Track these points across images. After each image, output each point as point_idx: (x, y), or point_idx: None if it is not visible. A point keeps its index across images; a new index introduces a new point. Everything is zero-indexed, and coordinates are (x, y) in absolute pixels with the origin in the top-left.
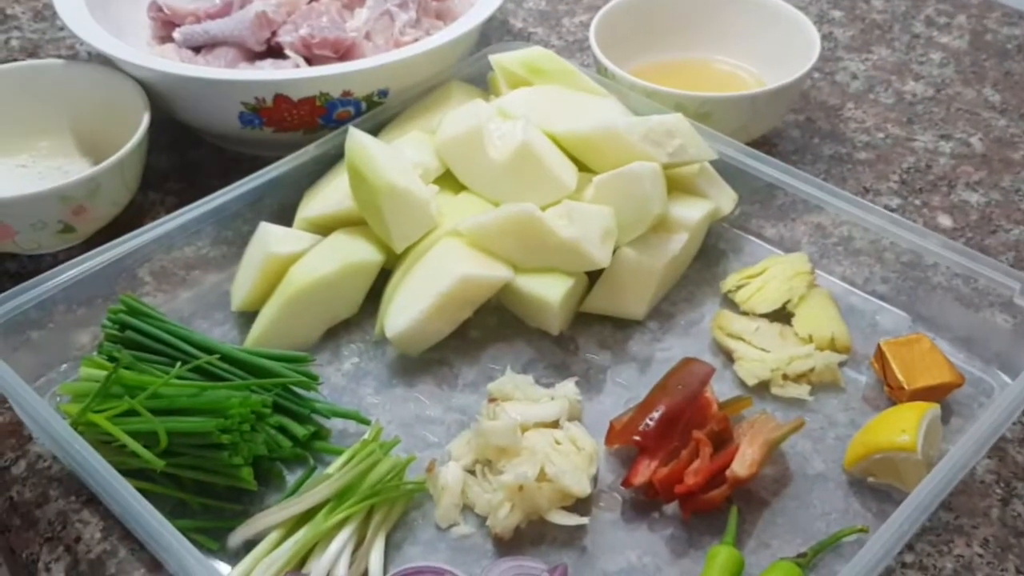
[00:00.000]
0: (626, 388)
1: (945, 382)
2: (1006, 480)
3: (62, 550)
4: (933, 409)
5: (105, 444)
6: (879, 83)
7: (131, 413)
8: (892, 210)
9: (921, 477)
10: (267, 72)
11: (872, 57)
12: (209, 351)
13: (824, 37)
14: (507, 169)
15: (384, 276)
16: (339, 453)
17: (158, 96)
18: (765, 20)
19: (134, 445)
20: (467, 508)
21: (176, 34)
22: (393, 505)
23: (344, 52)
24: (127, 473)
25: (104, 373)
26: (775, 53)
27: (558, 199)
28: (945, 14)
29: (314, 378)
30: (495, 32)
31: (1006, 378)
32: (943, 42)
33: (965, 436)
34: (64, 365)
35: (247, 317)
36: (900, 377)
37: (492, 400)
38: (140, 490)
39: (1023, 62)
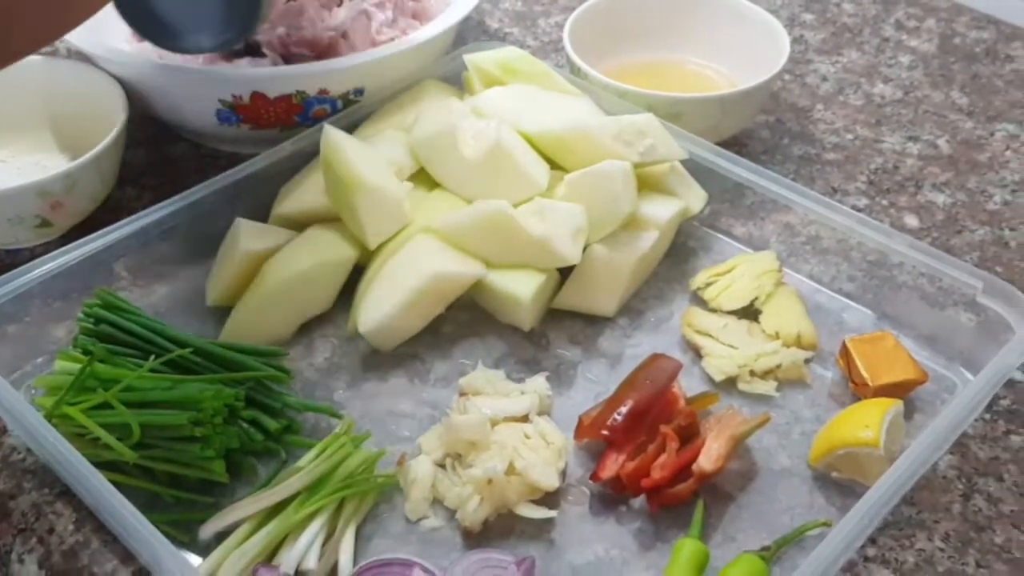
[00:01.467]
0: (596, 383)
1: (909, 379)
2: (967, 476)
3: (35, 541)
4: (896, 405)
5: (79, 437)
6: (848, 85)
7: (105, 406)
8: (859, 210)
9: (884, 472)
10: (244, 70)
11: (842, 59)
12: (183, 345)
13: (795, 40)
14: (480, 167)
15: (358, 272)
16: (311, 447)
17: (136, 93)
18: (736, 22)
19: (107, 437)
20: (437, 501)
21: None
22: (363, 498)
23: (321, 51)
24: (101, 465)
25: (79, 366)
26: (746, 55)
27: (530, 197)
28: (915, 18)
29: (287, 372)
30: (471, 32)
31: (969, 375)
32: (912, 45)
33: (926, 431)
34: (40, 359)
35: (222, 312)
36: (864, 373)
37: (463, 395)
38: (113, 482)
39: (991, 65)
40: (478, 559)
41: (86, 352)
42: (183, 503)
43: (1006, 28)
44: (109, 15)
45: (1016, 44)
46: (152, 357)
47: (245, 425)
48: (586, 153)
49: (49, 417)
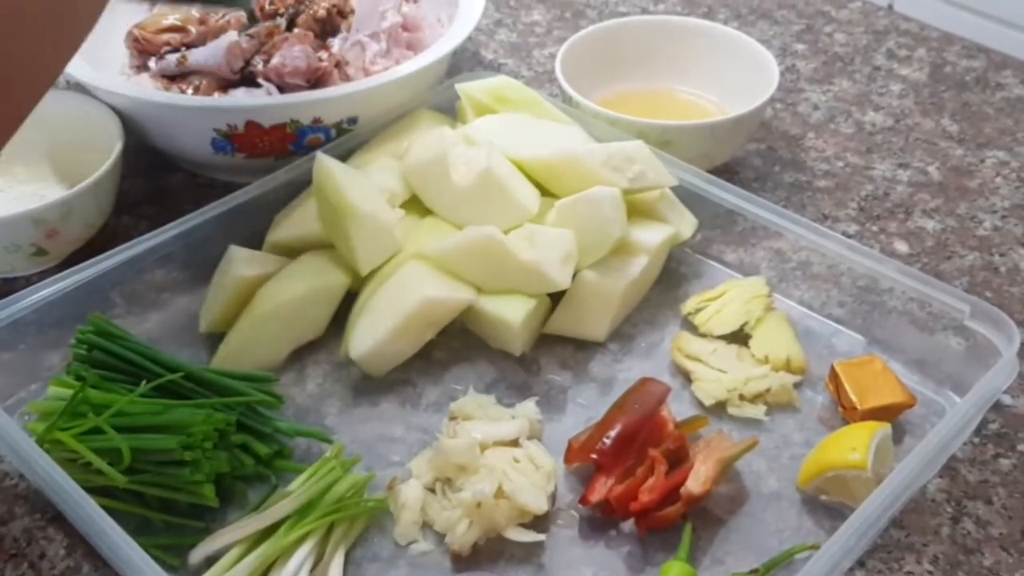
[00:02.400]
0: (586, 408)
1: (897, 402)
2: (957, 499)
3: (26, 567)
4: (884, 428)
5: (71, 462)
6: (840, 113)
7: (96, 431)
8: (850, 236)
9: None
10: (238, 99)
11: (833, 88)
12: (174, 370)
13: (787, 69)
14: (471, 194)
15: (350, 298)
16: (301, 471)
17: (133, 123)
18: (727, 52)
19: (98, 462)
20: (426, 525)
21: (152, 63)
22: (353, 522)
23: (315, 80)
24: (92, 490)
25: (71, 392)
26: (737, 84)
27: (520, 223)
28: (906, 47)
29: (278, 397)
30: (467, 63)
31: (958, 399)
32: (903, 74)
33: (912, 453)
34: (34, 385)
35: (216, 338)
36: (853, 397)
37: (452, 419)
38: (104, 507)
39: (981, 93)
40: None
41: (79, 378)
42: (173, 527)
43: (996, 57)
44: (107, 46)
45: (1006, 72)
46: (143, 382)
47: (236, 450)
48: (576, 179)
49: (41, 442)
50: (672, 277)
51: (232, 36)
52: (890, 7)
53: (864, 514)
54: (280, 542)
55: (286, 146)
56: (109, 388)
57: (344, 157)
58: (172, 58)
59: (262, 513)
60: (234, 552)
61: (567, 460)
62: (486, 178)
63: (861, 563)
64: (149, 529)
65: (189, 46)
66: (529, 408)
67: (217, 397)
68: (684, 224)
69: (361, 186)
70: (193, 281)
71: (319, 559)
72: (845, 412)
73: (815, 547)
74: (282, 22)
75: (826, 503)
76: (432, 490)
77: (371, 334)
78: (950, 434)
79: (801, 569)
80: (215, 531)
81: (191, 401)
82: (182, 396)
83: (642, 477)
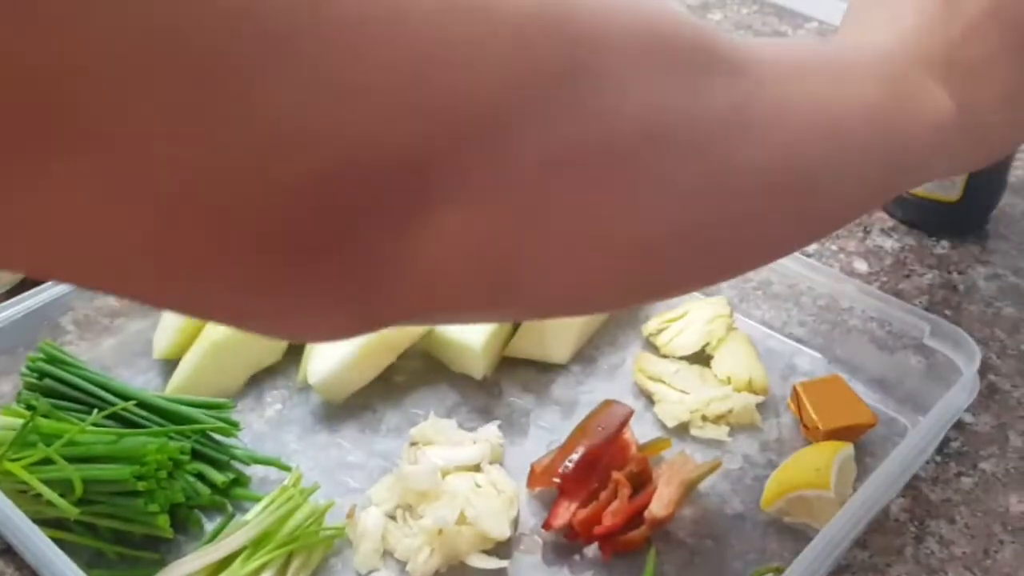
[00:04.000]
0: (549, 431)
1: (859, 422)
2: (920, 519)
3: None
4: (846, 448)
5: (21, 493)
6: None
7: (47, 461)
8: (809, 255)
9: (835, 515)
10: None
11: None
12: (127, 398)
13: None
14: None
15: None
16: (259, 500)
17: None
18: None
19: (48, 493)
20: (387, 553)
21: None
22: (312, 551)
23: None
24: (43, 522)
25: (22, 421)
26: None
27: None
28: None
29: (233, 424)
30: None
31: (920, 418)
32: None
33: (875, 473)
34: None
35: (171, 365)
36: (814, 417)
37: (413, 444)
38: (56, 539)
39: None
40: None
41: (29, 407)
42: (127, 560)
43: None
44: None
45: None
46: (96, 411)
47: (191, 479)
48: None
49: None
50: None
51: None
52: None
53: (828, 535)
54: (237, 573)
55: None
56: (60, 417)
57: None
58: None
59: (218, 544)
60: None
61: (530, 484)
62: None
63: None
64: (102, 561)
65: None
66: (491, 432)
67: (171, 425)
68: None
69: None
70: (147, 306)
71: None
72: (807, 432)
73: (780, 570)
74: None
75: (790, 524)
76: (393, 517)
77: (330, 359)
78: (912, 453)
79: None
80: (170, 563)
81: (145, 430)
82: (135, 424)
83: (605, 501)
